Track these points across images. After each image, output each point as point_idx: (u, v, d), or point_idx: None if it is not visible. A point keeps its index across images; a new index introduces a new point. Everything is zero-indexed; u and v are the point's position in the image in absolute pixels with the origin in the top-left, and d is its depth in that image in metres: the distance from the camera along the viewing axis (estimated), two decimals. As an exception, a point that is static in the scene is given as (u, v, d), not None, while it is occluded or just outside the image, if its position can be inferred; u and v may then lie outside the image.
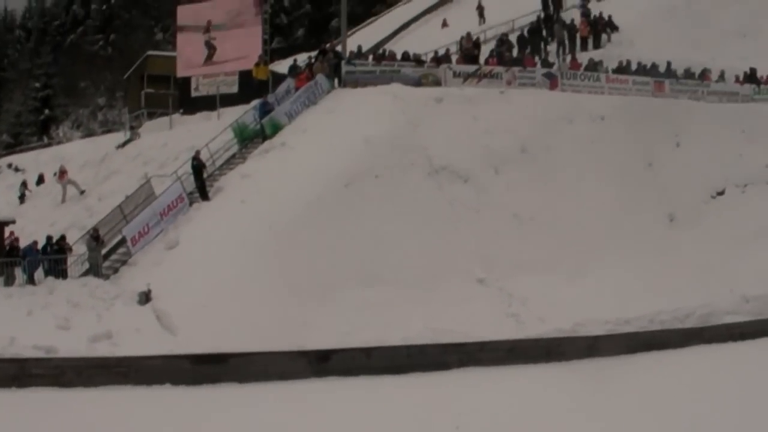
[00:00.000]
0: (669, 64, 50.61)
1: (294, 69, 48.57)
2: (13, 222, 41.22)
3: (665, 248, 38.79)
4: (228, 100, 52.57)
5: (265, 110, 43.20)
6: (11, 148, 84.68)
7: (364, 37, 70.39)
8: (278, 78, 51.18)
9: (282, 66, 61.82)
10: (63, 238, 38.94)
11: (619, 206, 40.25)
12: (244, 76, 53.53)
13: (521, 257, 36.75)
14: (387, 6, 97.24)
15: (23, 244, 38.32)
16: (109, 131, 73.59)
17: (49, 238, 38.60)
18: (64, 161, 54.87)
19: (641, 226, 39.71)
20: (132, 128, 55.86)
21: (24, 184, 54.50)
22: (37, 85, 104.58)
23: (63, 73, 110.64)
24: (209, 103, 53.99)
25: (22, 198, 54.11)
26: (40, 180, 55.77)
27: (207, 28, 57.69)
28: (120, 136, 58.68)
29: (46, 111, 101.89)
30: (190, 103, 57.45)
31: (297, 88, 44.50)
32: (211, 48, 57.42)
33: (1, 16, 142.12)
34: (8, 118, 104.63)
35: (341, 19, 55.86)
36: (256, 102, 45.74)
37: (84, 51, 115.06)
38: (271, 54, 60.58)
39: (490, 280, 36.07)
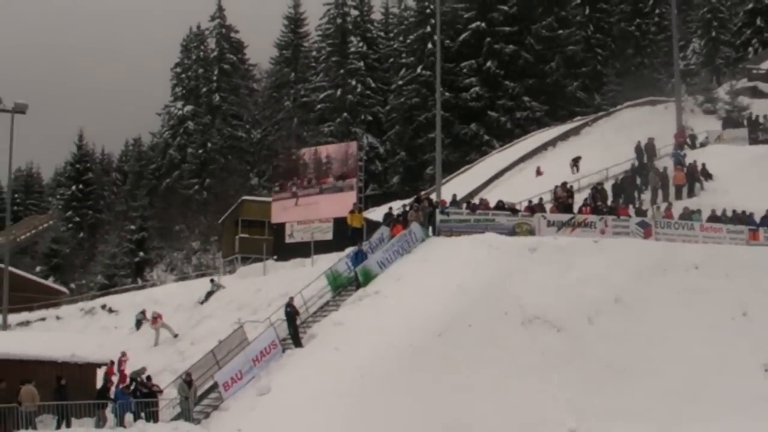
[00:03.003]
0: (767, 212, 50.81)
1: (388, 217, 49.47)
2: (106, 364, 42.37)
3: (761, 399, 38.49)
4: (322, 247, 53.58)
5: (359, 258, 44.19)
6: (106, 290, 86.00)
7: (458, 185, 71.40)
8: (372, 225, 52.12)
9: (376, 213, 62.85)
10: (149, 378, 39.92)
11: (713, 356, 40.05)
12: (339, 224, 54.68)
13: (614, 407, 36.75)
14: (481, 154, 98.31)
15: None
16: (203, 275, 74.46)
17: (132, 380, 39.75)
18: (158, 304, 55.86)
19: (736, 377, 39.39)
20: (212, 281, 56.20)
21: (142, 313, 55.22)
22: (132, 227, 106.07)
23: (158, 216, 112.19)
24: (303, 250, 54.99)
25: (138, 325, 54.98)
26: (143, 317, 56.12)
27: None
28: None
29: (141, 253, 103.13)
30: (284, 249, 58.38)
31: (392, 237, 45.47)
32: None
33: (98, 158, 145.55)
34: (103, 259, 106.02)
35: (436, 167, 57.04)
36: (350, 250, 46.65)
37: (179, 195, 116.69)
38: (365, 201, 61.49)
39: (583, 430, 36.15)
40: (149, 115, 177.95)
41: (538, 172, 73.96)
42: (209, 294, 54.73)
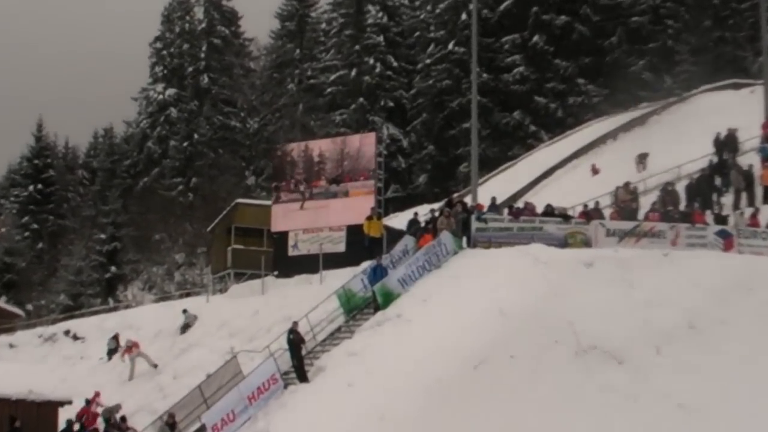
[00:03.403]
0: None
1: (414, 224, 49.54)
2: (69, 403, 42.68)
3: None
4: (333, 261, 53.81)
5: (378, 274, 44.23)
6: (70, 312, 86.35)
7: (498, 186, 71.74)
8: (394, 234, 52.18)
9: (399, 220, 62.94)
10: (123, 419, 40.18)
11: (811, 395, 40.03)
12: (353, 233, 54.83)
13: (687, 456, 36.77)
14: (526, 148, 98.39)
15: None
16: (188, 294, 74.94)
17: (105, 422, 40.04)
18: (134, 329, 56.21)
19: (838, 421, 39.39)
20: (185, 312, 56.12)
21: (115, 338, 55.47)
22: (102, 236, 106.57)
23: (133, 222, 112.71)
24: (310, 264, 55.21)
25: (110, 354, 55.24)
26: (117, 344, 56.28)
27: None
28: (202, 301, 59.82)
29: (113, 268, 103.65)
30: (286, 263, 58.60)
31: (418, 248, 45.55)
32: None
33: (61, 152, 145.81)
34: (67, 275, 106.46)
35: (472, 163, 57.02)
36: (366, 264, 46.74)
37: (159, 197, 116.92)
38: (385, 205, 61.56)
39: (650, 484, 36.17)
40: (123, 101, 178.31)
41: (595, 171, 74.23)
42: (184, 328, 54.83)
